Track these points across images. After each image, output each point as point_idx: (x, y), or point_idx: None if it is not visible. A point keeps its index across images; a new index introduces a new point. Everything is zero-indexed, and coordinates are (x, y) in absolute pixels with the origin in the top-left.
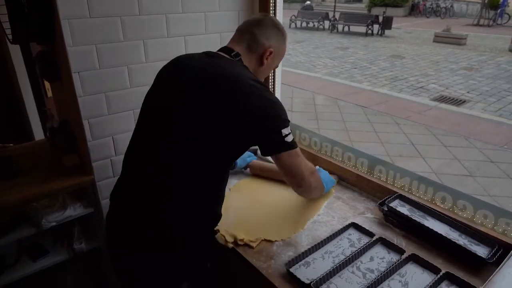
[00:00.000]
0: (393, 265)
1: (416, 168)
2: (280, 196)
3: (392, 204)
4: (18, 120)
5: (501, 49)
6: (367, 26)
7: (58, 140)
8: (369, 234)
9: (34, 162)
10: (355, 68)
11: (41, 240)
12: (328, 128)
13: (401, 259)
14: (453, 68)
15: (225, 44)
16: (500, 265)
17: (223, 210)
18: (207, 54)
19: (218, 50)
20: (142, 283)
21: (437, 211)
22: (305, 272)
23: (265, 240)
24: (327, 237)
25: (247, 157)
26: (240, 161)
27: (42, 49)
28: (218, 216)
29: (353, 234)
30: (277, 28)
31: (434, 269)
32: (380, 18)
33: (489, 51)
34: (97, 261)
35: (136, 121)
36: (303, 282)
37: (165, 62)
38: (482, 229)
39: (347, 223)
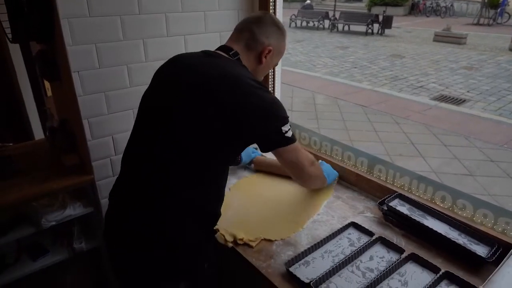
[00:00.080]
0: (392, 264)
1: (416, 168)
2: (280, 195)
3: (392, 204)
4: (18, 120)
5: (501, 48)
6: (367, 25)
7: (58, 139)
8: (369, 233)
9: (34, 162)
10: (355, 68)
11: (41, 240)
12: (328, 128)
13: (401, 258)
14: (453, 67)
15: (224, 43)
16: (500, 265)
17: (222, 210)
18: (205, 53)
19: (217, 49)
20: (140, 283)
21: (437, 210)
22: (305, 272)
23: (264, 239)
24: (327, 237)
25: (252, 153)
26: (245, 157)
27: (42, 49)
28: (217, 216)
29: (353, 234)
30: (277, 26)
31: (433, 268)
32: (380, 17)
33: (489, 50)
34: (97, 261)
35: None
36: (302, 282)
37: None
38: (482, 228)
39: (346, 222)
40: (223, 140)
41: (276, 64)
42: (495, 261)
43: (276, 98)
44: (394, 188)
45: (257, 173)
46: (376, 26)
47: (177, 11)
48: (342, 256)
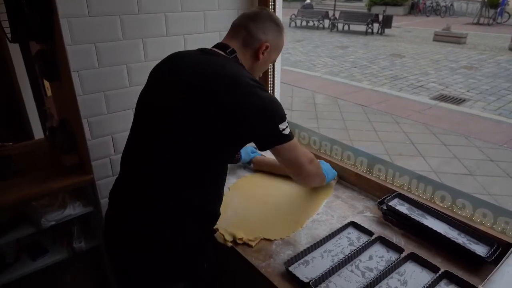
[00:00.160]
0: (392, 263)
1: (416, 167)
2: (279, 195)
3: (391, 203)
4: (18, 120)
5: (501, 48)
6: (367, 25)
7: (57, 139)
8: (368, 233)
9: (33, 161)
10: (355, 67)
11: (41, 239)
12: (328, 127)
13: (400, 258)
14: (453, 67)
15: None
16: (499, 264)
17: (222, 209)
18: (202, 51)
19: (213, 47)
20: (140, 283)
21: (436, 209)
22: (304, 271)
23: (264, 239)
24: (326, 236)
25: (251, 153)
26: (244, 156)
27: (41, 48)
28: (217, 215)
29: (352, 233)
30: (274, 22)
31: (433, 268)
32: (380, 17)
33: (489, 50)
34: (96, 260)
35: None
36: (302, 281)
37: None
38: (481, 227)
39: (346, 222)
40: (223, 139)
41: (275, 61)
42: (495, 261)
43: (273, 97)
44: (394, 188)
45: (257, 172)
46: (376, 25)
47: (177, 10)
48: (341, 256)
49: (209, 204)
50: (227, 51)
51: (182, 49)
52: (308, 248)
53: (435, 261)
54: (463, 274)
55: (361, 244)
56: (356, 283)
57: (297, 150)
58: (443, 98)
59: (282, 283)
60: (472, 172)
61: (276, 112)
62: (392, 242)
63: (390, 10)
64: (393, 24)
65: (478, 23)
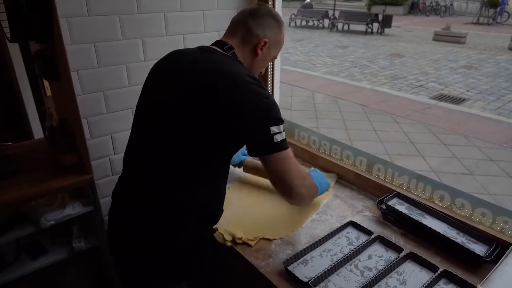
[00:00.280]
0: (391, 263)
1: (415, 167)
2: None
3: (391, 203)
4: (18, 119)
5: (501, 48)
6: (367, 24)
7: (57, 139)
8: (368, 232)
9: (33, 161)
10: (354, 67)
11: (40, 239)
12: (327, 127)
13: (399, 257)
14: (453, 66)
15: None
16: (498, 263)
17: None
18: (201, 48)
19: (212, 44)
20: (141, 282)
21: (435, 209)
22: (303, 270)
23: (263, 238)
24: (326, 236)
25: (241, 155)
26: (234, 157)
27: (41, 48)
28: (218, 214)
29: (352, 233)
30: (273, 18)
31: (432, 267)
32: (380, 17)
33: (488, 49)
34: (96, 260)
35: None
36: (301, 280)
37: None
38: (480, 227)
39: (345, 221)
40: (222, 137)
41: (275, 57)
42: (493, 260)
43: (272, 97)
44: (393, 187)
45: None
46: (375, 25)
47: (176, 10)
48: (340, 255)
49: (210, 203)
50: (225, 48)
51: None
52: (307, 247)
53: (434, 260)
54: (462, 274)
55: (360, 243)
56: (355, 283)
57: (289, 164)
58: (443, 97)
59: (281, 283)
60: (471, 172)
61: (269, 112)
62: (391, 242)
63: (390, 10)
64: (393, 23)
65: (477, 23)
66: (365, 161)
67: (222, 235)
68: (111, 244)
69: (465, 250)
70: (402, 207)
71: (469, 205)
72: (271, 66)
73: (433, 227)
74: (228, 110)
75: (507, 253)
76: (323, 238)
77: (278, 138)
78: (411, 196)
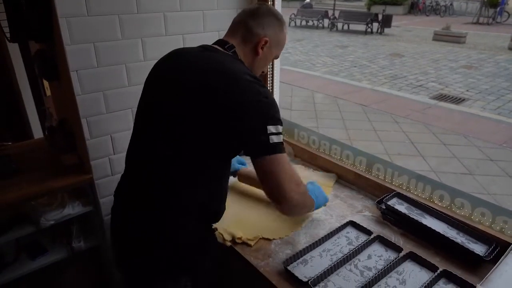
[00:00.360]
0: (390, 263)
1: (415, 167)
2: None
3: (390, 202)
4: (17, 119)
5: (501, 47)
6: (367, 24)
7: (56, 138)
8: (367, 232)
9: (33, 161)
10: (354, 67)
11: (40, 239)
12: (327, 127)
13: (399, 257)
14: (453, 66)
15: None
16: (497, 263)
17: None
18: (203, 47)
19: (213, 43)
20: (142, 280)
21: (435, 209)
22: (303, 270)
23: (263, 238)
24: (325, 235)
25: (236, 163)
26: None
27: (41, 48)
28: (219, 213)
29: (351, 232)
30: (274, 16)
31: (431, 267)
32: (380, 16)
33: (488, 49)
34: (96, 260)
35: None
36: (300, 280)
37: None
38: (480, 227)
39: (345, 221)
40: (222, 136)
41: (277, 57)
42: (493, 260)
43: (272, 97)
44: (393, 187)
45: None
46: (375, 25)
47: (176, 10)
48: (340, 255)
49: (210, 203)
50: (226, 46)
51: None
52: (307, 247)
53: (434, 260)
54: (462, 273)
55: (360, 243)
56: (354, 282)
57: (282, 166)
58: (443, 97)
59: (281, 283)
60: (471, 172)
61: (267, 110)
62: (391, 241)
63: (389, 10)
64: (393, 23)
65: (477, 23)
66: (364, 161)
67: (222, 235)
68: (113, 242)
69: (464, 250)
70: (402, 207)
71: (469, 205)
72: (271, 66)
73: (432, 227)
74: (228, 109)
75: (506, 252)
76: (322, 238)
77: (274, 139)
78: (411, 196)
